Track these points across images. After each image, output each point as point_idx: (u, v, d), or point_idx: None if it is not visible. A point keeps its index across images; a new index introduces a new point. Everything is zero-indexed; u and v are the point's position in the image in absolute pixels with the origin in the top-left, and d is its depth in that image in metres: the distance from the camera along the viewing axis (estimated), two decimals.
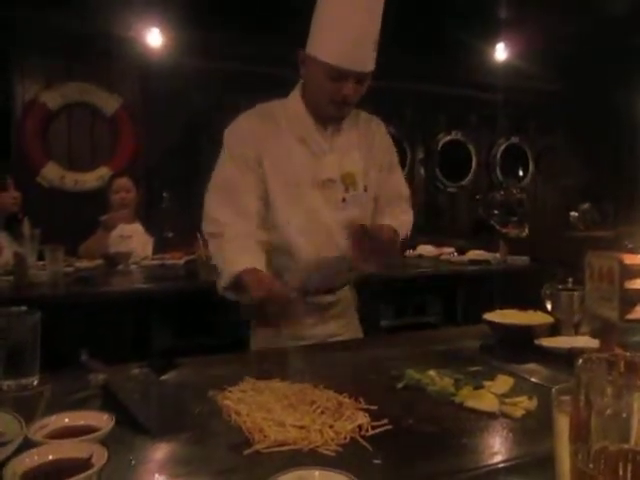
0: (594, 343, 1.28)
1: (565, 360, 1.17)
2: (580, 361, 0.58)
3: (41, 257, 2.82)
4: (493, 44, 5.08)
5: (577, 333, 1.46)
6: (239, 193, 1.57)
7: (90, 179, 4.54)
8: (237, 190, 1.58)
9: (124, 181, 3.59)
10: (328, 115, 1.62)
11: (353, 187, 1.65)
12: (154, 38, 4.38)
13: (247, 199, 1.58)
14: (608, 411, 0.54)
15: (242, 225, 1.55)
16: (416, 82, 5.28)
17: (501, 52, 5.12)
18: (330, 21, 1.50)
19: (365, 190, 1.68)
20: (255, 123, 1.63)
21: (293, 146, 1.62)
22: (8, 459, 0.75)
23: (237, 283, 1.48)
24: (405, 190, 1.84)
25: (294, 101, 1.66)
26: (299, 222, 1.61)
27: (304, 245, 1.61)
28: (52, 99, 4.43)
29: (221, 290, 1.57)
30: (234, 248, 1.52)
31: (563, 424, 0.62)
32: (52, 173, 4.45)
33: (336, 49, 1.47)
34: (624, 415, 0.54)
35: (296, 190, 1.61)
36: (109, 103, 4.58)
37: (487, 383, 1.11)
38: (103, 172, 4.51)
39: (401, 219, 1.74)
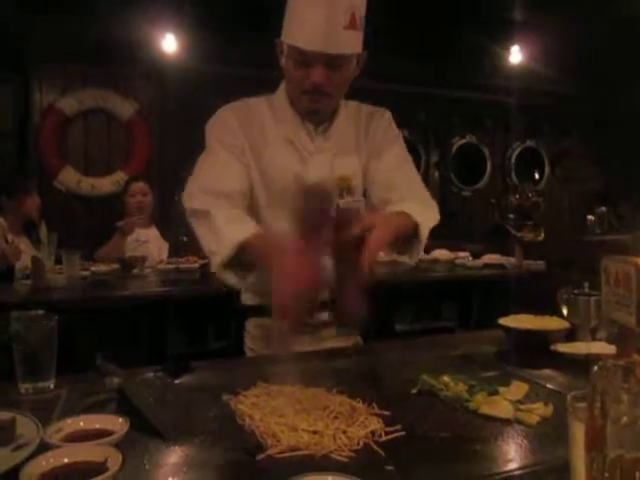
0: (611, 349, 1.26)
1: (582, 366, 1.16)
2: (595, 368, 0.57)
3: (58, 261, 2.86)
4: (507, 47, 5.06)
5: (594, 339, 1.45)
6: (225, 174, 1.41)
7: (106, 183, 4.60)
8: (223, 171, 1.41)
9: (140, 185, 3.63)
10: (303, 107, 1.45)
11: (349, 192, 1.48)
12: (169, 44, 4.43)
13: (233, 181, 1.41)
14: (624, 419, 0.54)
15: (229, 203, 1.36)
16: (430, 86, 5.28)
17: (516, 55, 5.10)
18: (296, 2, 1.35)
19: (364, 196, 1.51)
20: (240, 115, 1.49)
21: (278, 145, 1.47)
22: (25, 461, 0.76)
23: (240, 256, 1.26)
24: (415, 179, 1.57)
25: (279, 97, 1.51)
26: (283, 226, 1.32)
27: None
28: (69, 105, 4.50)
29: (218, 269, 1.31)
30: (228, 219, 1.30)
31: (578, 432, 0.62)
32: (69, 178, 4.51)
33: (301, 30, 1.32)
34: None
35: (280, 192, 1.45)
36: (124, 108, 4.64)
37: (502, 389, 1.10)
38: (119, 177, 4.57)
39: (422, 205, 1.43)
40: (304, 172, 1.46)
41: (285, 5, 1.38)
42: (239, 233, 1.25)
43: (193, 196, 1.39)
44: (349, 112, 1.54)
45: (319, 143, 1.49)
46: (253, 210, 1.46)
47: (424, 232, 1.36)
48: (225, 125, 1.48)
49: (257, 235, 1.24)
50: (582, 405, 0.62)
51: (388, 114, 1.59)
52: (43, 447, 0.81)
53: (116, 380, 1.08)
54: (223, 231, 1.28)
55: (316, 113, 1.47)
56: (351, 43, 1.35)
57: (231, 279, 1.33)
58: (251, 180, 1.46)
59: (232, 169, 1.42)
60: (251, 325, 1.58)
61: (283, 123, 1.48)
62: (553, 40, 4.60)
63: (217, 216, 1.30)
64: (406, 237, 1.36)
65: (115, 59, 4.43)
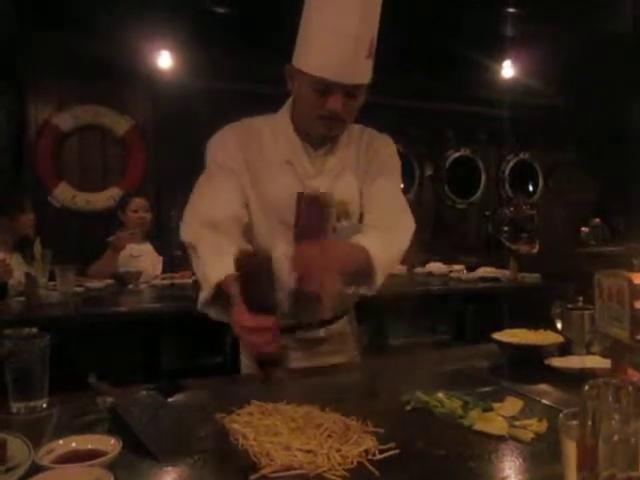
0: (606, 363, 1.26)
1: (576, 381, 1.15)
2: (586, 387, 0.57)
3: (52, 277, 2.84)
4: (500, 61, 5.11)
5: (588, 352, 1.45)
6: (217, 202, 1.40)
7: (101, 199, 4.59)
8: (215, 199, 1.41)
9: (142, 201, 3.63)
10: (317, 133, 1.45)
11: (345, 217, 1.46)
12: (164, 60, 4.46)
13: (225, 208, 1.39)
14: (615, 438, 0.54)
15: (219, 234, 1.34)
16: (424, 99, 5.32)
17: (508, 69, 5.15)
18: (316, 30, 1.34)
19: (360, 221, 1.49)
20: (240, 136, 1.48)
21: (276, 167, 1.46)
22: None
23: (218, 295, 1.26)
24: (399, 200, 1.53)
25: (281, 119, 1.50)
26: (281, 250, 1.35)
27: (288, 275, 1.32)
28: (64, 121, 4.50)
29: (201, 306, 1.32)
30: (209, 253, 1.31)
31: (571, 450, 0.62)
32: (64, 193, 4.51)
33: (322, 60, 1.32)
34: (632, 441, 0.54)
35: (278, 215, 1.44)
36: (120, 124, 4.65)
37: (496, 405, 1.09)
38: (114, 192, 4.56)
39: (387, 240, 1.38)
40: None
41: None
42: (218, 272, 1.23)
43: (185, 227, 1.41)
44: (351, 135, 1.53)
45: (319, 166, 1.48)
46: (250, 230, 1.46)
47: (379, 264, 1.30)
48: (224, 146, 1.48)
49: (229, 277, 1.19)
50: (574, 423, 0.62)
51: (393, 146, 1.59)
52: (34, 469, 0.80)
53: (109, 399, 1.07)
54: (205, 269, 1.29)
55: (330, 139, 1.48)
56: (368, 72, 1.38)
57: (212, 314, 1.33)
58: (248, 201, 1.45)
59: (225, 195, 1.41)
60: None
61: (283, 144, 1.47)
62: (545, 54, 4.65)
63: (201, 250, 1.33)
64: (359, 269, 1.30)
65: (111, 75, 4.44)
